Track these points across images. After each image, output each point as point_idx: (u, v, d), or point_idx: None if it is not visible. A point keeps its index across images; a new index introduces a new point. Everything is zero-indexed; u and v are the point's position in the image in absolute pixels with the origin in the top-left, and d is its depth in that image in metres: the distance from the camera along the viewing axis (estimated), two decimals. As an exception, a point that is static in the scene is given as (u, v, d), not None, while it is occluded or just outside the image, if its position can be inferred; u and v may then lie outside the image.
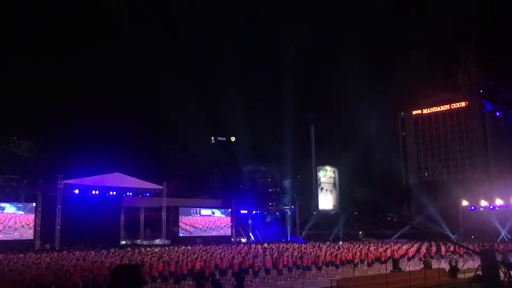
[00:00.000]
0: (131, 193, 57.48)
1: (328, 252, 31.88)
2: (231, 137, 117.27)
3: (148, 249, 42.60)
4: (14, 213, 49.90)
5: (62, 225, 49.76)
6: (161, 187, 58.29)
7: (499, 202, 46.63)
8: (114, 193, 56.24)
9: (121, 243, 55.07)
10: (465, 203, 57.01)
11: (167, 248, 42.60)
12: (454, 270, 27.64)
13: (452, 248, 37.78)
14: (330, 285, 22.08)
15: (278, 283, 25.27)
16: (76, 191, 52.63)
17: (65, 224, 49.95)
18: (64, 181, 50.52)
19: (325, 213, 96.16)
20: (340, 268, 29.16)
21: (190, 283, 23.00)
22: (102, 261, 26.60)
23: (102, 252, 36.50)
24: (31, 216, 50.33)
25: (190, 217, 62.43)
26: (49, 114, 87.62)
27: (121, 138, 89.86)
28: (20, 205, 51.24)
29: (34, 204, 50.76)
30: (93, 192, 54.28)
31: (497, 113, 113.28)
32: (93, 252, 36.13)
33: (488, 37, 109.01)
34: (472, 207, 57.95)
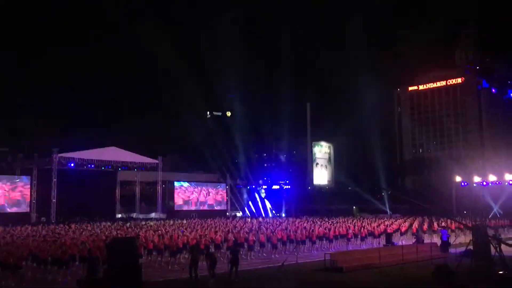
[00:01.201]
0: (126, 167, 57.55)
1: (322, 227, 32.23)
2: (227, 112, 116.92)
3: (144, 222, 42.93)
4: (9, 185, 49.98)
5: (58, 198, 49.96)
6: (156, 161, 58.38)
7: (492, 178, 47.03)
8: (110, 167, 56.29)
9: (116, 217, 55.45)
10: (458, 179, 57.46)
11: (162, 222, 42.94)
12: (445, 245, 28.08)
13: (444, 224, 38.25)
14: (323, 258, 22.43)
15: (273, 256, 25.60)
16: (72, 165, 52.64)
17: (61, 197, 50.15)
18: (60, 155, 50.46)
19: (320, 188, 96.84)
20: (334, 242, 29.52)
21: (186, 256, 23.25)
22: (98, 234, 26.82)
23: (98, 225, 36.75)
24: (27, 189, 50.46)
25: (185, 191, 62.73)
26: (46, 88, 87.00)
27: (117, 112, 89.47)
28: (16, 179, 51.29)
29: (29, 177, 50.85)
30: (89, 166, 54.30)
31: (493, 90, 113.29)
32: (89, 225, 36.38)
33: (487, 15, 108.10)
34: (465, 183, 58.44)
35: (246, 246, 25.70)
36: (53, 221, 45.95)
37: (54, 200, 49.70)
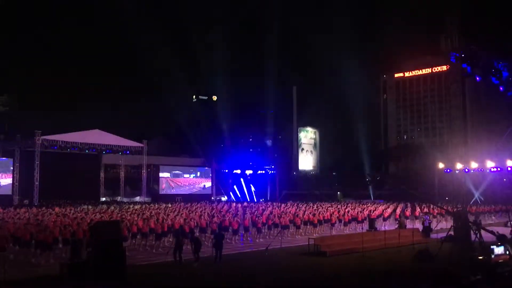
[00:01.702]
0: (111, 151, 57.09)
1: (306, 212, 32.47)
2: (213, 96, 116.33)
3: (128, 206, 42.75)
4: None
5: (41, 181, 49.39)
6: (141, 145, 57.99)
7: (474, 165, 47.60)
8: (94, 150, 55.78)
9: (100, 200, 55.16)
10: (441, 165, 58.07)
11: (147, 205, 42.83)
12: (427, 230, 28.55)
13: (426, 209, 38.87)
14: (307, 243, 22.66)
15: (257, 241, 25.76)
16: (55, 147, 52.03)
17: (44, 180, 49.60)
18: (43, 137, 49.78)
19: (305, 173, 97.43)
20: (318, 227, 29.77)
21: (170, 240, 23.27)
22: (82, 217, 26.65)
23: (82, 208, 36.53)
24: (9, 172, 49.87)
25: (170, 175, 62.61)
26: (28, 69, 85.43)
27: (101, 94, 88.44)
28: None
29: (12, 159, 50.20)
30: (73, 148, 53.73)
31: (477, 78, 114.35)
32: (72, 209, 36.13)
33: (472, 2, 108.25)
34: (448, 170, 59.13)
35: (230, 230, 25.80)
36: (36, 204, 45.53)
37: (37, 183, 49.15)
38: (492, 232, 19.67)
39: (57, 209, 35.20)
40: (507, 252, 16.23)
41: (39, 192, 49.01)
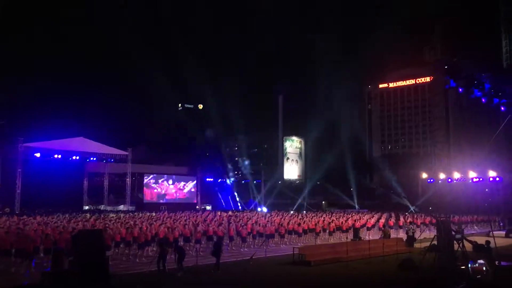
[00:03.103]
0: (95, 158, 56.56)
1: (291, 221, 32.48)
2: (199, 105, 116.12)
3: (112, 214, 42.27)
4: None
5: (23, 189, 48.66)
6: (126, 153, 57.57)
7: (456, 175, 48.40)
8: (78, 157, 55.19)
9: (84, 208, 54.47)
10: (424, 175, 58.87)
11: (131, 214, 42.40)
12: (411, 239, 28.75)
13: (410, 219, 39.18)
14: (292, 252, 22.64)
15: (242, 250, 25.66)
16: (38, 155, 51.36)
17: (26, 188, 48.86)
18: (25, 144, 49.12)
19: (290, 182, 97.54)
20: (303, 237, 29.80)
21: (154, 249, 23.06)
22: (64, 226, 26.27)
23: (64, 217, 35.99)
24: (-10, 179, 49.04)
25: (155, 183, 62.15)
26: (10, 75, 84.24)
27: (85, 102, 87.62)
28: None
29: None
30: (56, 156, 53.10)
31: (460, 89, 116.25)
32: (54, 217, 35.59)
33: (455, 14, 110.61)
34: (431, 180, 59.83)
35: (215, 239, 25.67)
36: (17, 212, 44.76)
37: (19, 191, 48.40)
38: (470, 242, 19.90)
39: (38, 217, 34.62)
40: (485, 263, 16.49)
41: (21, 200, 48.24)
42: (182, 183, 65.32)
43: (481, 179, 53.09)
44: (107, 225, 26.99)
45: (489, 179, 52.84)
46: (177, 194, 64.10)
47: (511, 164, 63.30)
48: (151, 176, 62.36)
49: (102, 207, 57.20)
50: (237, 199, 72.80)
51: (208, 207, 65.64)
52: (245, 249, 25.85)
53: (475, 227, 43.58)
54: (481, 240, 20.75)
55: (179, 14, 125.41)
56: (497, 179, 52.91)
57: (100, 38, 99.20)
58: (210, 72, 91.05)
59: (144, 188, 60.54)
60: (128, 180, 58.70)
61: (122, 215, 40.89)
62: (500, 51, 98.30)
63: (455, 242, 20.27)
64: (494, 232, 31.86)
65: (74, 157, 54.70)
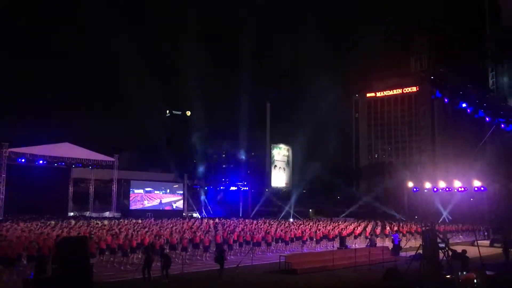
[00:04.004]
0: (80, 164, 56.00)
1: (278, 229, 32.44)
2: (187, 112, 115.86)
3: (98, 221, 41.85)
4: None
5: (7, 195, 47.96)
6: (112, 159, 57.13)
7: (442, 185, 48.52)
8: (63, 163, 54.62)
9: (69, 215, 53.84)
10: (410, 184, 59.20)
11: (116, 221, 42.00)
12: (397, 248, 28.88)
13: (396, 228, 39.36)
14: (278, 260, 22.60)
15: (228, 258, 25.51)
16: (23, 160, 50.74)
17: (10, 194, 48.19)
18: (10, 149, 48.50)
19: (278, 190, 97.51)
20: (289, 245, 29.76)
21: (140, 256, 22.85)
22: (49, 232, 25.92)
23: (48, 224, 35.53)
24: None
25: (141, 190, 61.69)
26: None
27: (71, 107, 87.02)
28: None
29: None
30: (41, 162, 52.50)
31: (446, 100, 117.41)
32: (38, 223, 35.12)
33: (440, 25, 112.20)
34: (416, 189, 60.24)
35: (201, 247, 25.54)
36: (1, 218, 44.08)
37: (2, 197, 47.71)
38: (450, 250, 20.08)
39: (22, 224, 34.12)
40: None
41: (5, 206, 47.54)
42: (169, 189, 64.94)
43: (465, 189, 53.59)
44: (92, 232, 26.71)
45: (474, 188, 53.32)
46: (164, 201, 63.65)
47: (496, 174, 64.07)
48: (137, 182, 61.89)
49: (87, 213, 56.60)
50: (224, 206, 72.50)
51: (195, 215, 65.31)
52: (232, 256, 25.73)
53: (460, 236, 43.94)
54: (467, 249, 20.96)
55: (167, 23, 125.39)
56: (482, 188, 53.42)
57: (86, 43, 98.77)
58: (198, 79, 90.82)
59: (130, 194, 59.99)
60: (114, 186, 58.20)
61: (106, 221, 40.51)
62: (486, 72, 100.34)
63: (440, 251, 20.40)
64: (478, 241, 32.19)
65: (59, 163, 54.11)
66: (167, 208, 62.80)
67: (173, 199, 64.74)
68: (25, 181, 50.72)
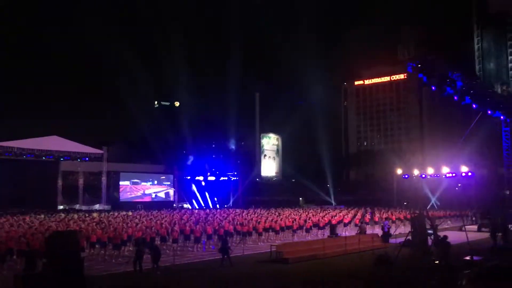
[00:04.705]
0: (69, 157, 55.61)
1: (268, 219, 32.57)
2: (175, 102, 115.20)
3: (87, 214, 41.67)
4: None
5: (-5, 189, 47.60)
6: (101, 151, 56.84)
7: (430, 171, 49.11)
8: (51, 156, 54.18)
9: (58, 208, 53.54)
10: (399, 171, 59.75)
11: (107, 214, 41.86)
12: (386, 235, 29.18)
13: (385, 215, 39.75)
14: (269, 250, 22.73)
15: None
16: (10, 154, 50.26)
17: (-2, 188, 47.81)
18: (-3, 144, 48.03)
19: (268, 179, 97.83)
20: (280, 234, 29.92)
21: (131, 249, 22.84)
22: (38, 227, 25.78)
23: (38, 218, 35.30)
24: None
25: (131, 182, 61.42)
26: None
27: (59, 100, 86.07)
28: None
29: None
30: (29, 155, 52.04)
31: (433, 87, 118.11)
32: (28, 218, 34.88)
33: (428, 13, 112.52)
34: (406, 176, 60.82)
35: (192, 238, 25.57)
36: (-11, 213, 43.68)
37: (-10, 191, 47.34)
38: (435, 235, 20.35)
39: (10, 218, 33.87)
40: None
41: (-7, 201, 47.16)
42: (159, 181, 64.79)
43: (454, 175, 54.24)
44: (82, 226, 26.62)
45: (462, 174, 54.01)
46: (154, 193, 63.50)
47: (482, 160, 64.85)
48: (127, 174, 61.57)
49: (77, 206, 56.34)
50: (215, 198, 72.49)
51: (186, 205, 65.30)
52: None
53: (448, 222, 44.49)
54: (453, 235, 21.25)
55: (155, 11, 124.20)
56: (469, 174, 54.11)
57: (72, 33, 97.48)
58: (187, 69, 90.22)
59: (120, 186, 59.70)
60: (104, 179, 57.91)
61: (95, 214, 40.35)
62: (472, 53, 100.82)
63: (429, 237, 20.68)
64: (466, 226, 32.63)
65: (47, 156, 53.67)
66: (157, 199, 62.66)
67: (160, 189, 64.38)
68: (14, 175, 50.29)
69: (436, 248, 18.95)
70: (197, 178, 71.92)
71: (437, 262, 18.60)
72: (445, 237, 19.48)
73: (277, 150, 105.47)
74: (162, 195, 64.19)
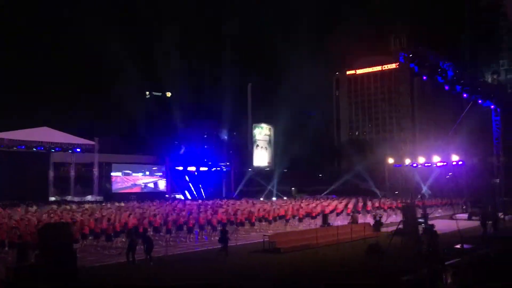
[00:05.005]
0: (60, 148, 55.24)
1: (261, 209, 32.68)
2: (167, 93, 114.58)
3: (79, 206, 41.56)
4: None
5: (-15, 181, 47.23)
6: (93, 142, 56.51)
7: (421, 160, 49.47)
8: (42, 148, 53.81)
9: (50, 200, 53.27)
10: (391, 160, 60.12)
11: (99, 205, 41.78)
12: (378, 224, 29.44)
13: (377, 204, 40.05)
14: (262, 240, 22.84)
15: (212, 239, 25.68)
16: (1, 146, 49.86)
17: (-12, 180, 47.45)
18: (-14, 135, 47.59)
19: (260, 169, 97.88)
20: (273, 224, 30.05)
21: (123, 240, 22.84)
22: (30, 218, 25.67)
23: (29, 209, 35.14)
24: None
25: (123, 173, 61.21)
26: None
27: (50, 90, 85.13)
28: None
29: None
30: (19, 147, 51.66)
31: (424, 77, 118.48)
32: (19, 209, 34.72)
33: (420, 5, 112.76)
34: (398, 165, 61.21)
35: (185, 229, 25.61)
36: (-20, 205, 43.41)
37: (-19, 183, 46.97)
38: (424, 224, 20.52)
39: (2, 210, 33.69)
40: None
41: (-17, 193, 46.83)
42: (151, 171, 64.65)
43: (445, 163, 54.65)
44: (74, 217, 26.54)
45: (452, 163, 54.45)
46: (146, 184, 63.39)
47: (473, 149, 65.36)
48: (119, 165, 61.31)
49: (69, 197, 56.06)
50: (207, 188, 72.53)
51: (178, 196, 65.27)
52: (216, 237, 25.84)
53: (439, 210, 44.93)
54: (443, 224, 21.44)
55: (147, 2, 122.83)
56: (460, 162, 54.57)
57: (63, 23, 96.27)
58: (178, 60, 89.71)
59: (112, 177, 59.45)
60: (96, 170, 57.71)
61: (87, 205, 40.25)
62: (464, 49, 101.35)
63: (420, 226, 20.84)
64: (457, 215, 32.98)
65: (38, 148, 53.29)
66: (149, 190, 62.54)
67: (152, 180, 64.21)
68: (4, 167, 49.91)
69: (426, 236, 19.12)
70: (189, 168, 71.82)
71: (429, 250, 18.78)
72: (432, 225, 19.66)
73: (269, 140, 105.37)
74: (153, 186, 64.10)
